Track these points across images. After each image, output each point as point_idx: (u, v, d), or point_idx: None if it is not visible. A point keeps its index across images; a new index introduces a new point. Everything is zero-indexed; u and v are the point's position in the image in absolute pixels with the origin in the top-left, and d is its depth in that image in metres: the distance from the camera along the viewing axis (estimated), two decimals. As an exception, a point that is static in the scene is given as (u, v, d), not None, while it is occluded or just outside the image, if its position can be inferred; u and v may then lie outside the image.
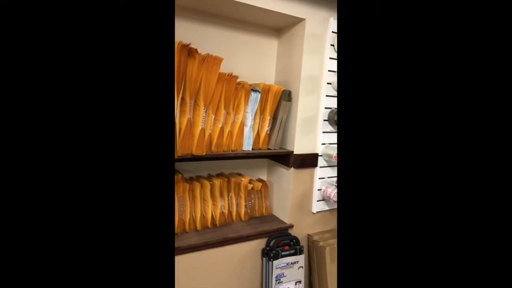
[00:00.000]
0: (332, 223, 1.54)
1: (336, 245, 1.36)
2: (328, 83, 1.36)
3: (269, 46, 1.47)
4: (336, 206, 1.50)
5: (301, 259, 1.35)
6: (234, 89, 1.20)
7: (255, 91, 1.25)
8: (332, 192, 1.38)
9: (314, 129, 1.39)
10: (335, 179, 1.47)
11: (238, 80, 1.21)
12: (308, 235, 1.45)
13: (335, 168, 1.47)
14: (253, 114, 1.27)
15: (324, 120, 1.39)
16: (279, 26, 1.42)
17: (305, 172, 1.40)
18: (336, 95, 1.40)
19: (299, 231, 1.42)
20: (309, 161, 1.39)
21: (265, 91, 1.30)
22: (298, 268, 1.35)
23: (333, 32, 1.32)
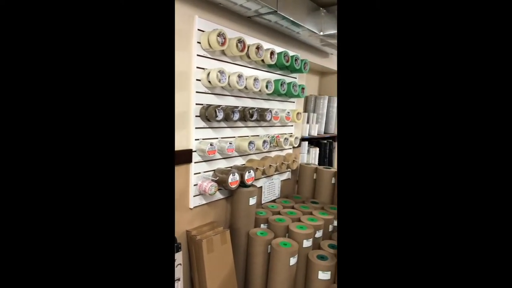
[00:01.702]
0: (211, 216, 1.59)
1: (213, 236, 1.41)
2: (197, 80, 1.39)
3: (134, 38, 1.38)
4: (213, 199, 1.56)
5: (178, 256, 1.33)
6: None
7: (116, 84, 1.14)
8: (207, 185, 1.42)
9: (186, 125, 1.39)
10: (211, 173, 1.52)
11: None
12: (187, 231, 1.45)
13: (210, 163, 1.52)
14: (115, 110, 1.16)
15: (196, 116, 1.41)
16: (143, 18, 1.35)
17: (180, 168, 1.39)
18: (208, 92, 1.44)
19: (177, 229, 1.40)
20: (183, 157, 1.38)
21: (128, 85, 1.21)
22: (176, 266, 1.33)
23: (198, 29, 1.35)
